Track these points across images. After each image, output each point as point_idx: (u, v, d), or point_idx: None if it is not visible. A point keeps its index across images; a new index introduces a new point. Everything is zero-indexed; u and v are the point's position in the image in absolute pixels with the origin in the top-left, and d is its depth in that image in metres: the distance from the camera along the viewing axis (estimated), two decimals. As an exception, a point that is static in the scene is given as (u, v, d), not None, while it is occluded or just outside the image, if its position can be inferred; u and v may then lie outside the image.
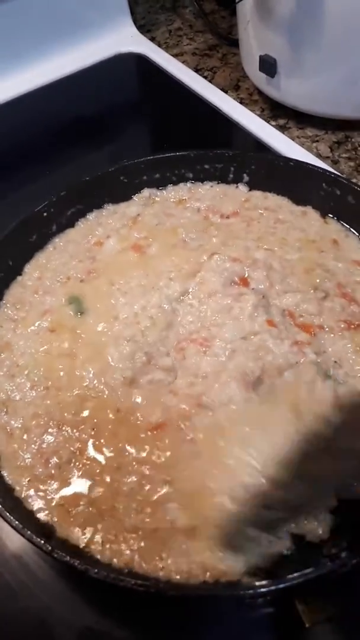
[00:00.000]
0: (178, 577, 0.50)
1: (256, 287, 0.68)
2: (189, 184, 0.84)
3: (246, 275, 0.70)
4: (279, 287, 0.69)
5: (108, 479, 0.57)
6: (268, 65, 0.96)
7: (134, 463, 0.58)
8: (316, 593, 0.48)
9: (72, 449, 0.60)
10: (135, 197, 0.83)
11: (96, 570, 0.49)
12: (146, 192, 0.83)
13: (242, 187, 0.83)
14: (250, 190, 0.83)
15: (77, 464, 0.59)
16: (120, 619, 0.56)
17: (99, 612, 0.56)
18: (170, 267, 0.73)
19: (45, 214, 0.78)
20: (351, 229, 0.77)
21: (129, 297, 0.71)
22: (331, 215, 0.79)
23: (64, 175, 0.96)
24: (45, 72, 1.13)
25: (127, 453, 0.59)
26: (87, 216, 0.81)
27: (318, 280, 0.71)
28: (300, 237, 0.76)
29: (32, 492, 0.57)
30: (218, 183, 0.84)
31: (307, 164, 0.80)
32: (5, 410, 0.64)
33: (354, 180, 0.93)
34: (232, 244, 0.76)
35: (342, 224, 0.78)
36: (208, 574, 0.50)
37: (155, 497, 0.56)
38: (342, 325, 0.67)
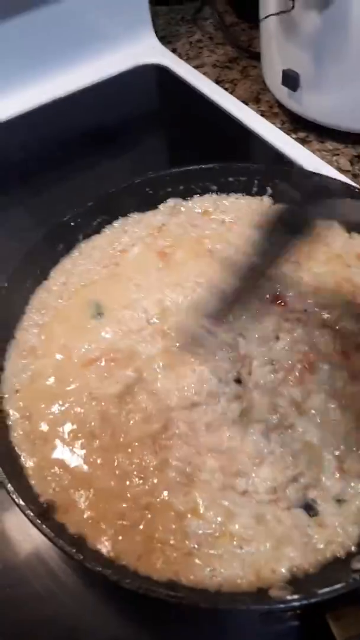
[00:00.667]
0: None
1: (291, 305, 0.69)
2: (214, 196, 0.85)
3: (278, 292, 0.71)
4: (311, 300, 0.70)
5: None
6: (291, 80, 0.97)
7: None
8: (349, 608, 0.48)
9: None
10: (161, 207, 0.84)
11: (128, 580, 0.49)
12: (171, 202, 0.84)
13: (267, 200, 0.84)
14: (274, 203, 0.84)
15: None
16: (147, 628, 0.57)
17: (127, 622, 0.57)
18: (198, 274, 0.74)
19: (72, 224, 0.79)
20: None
21: (145, 291, 0.73)
22: (356, 231, 0.79)
23: (85, 185, 0.96)
24: (67, 83, 1.14)
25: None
26: (114, 223, 0.82)
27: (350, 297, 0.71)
28: (325, 251, 0.77)
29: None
30: (243, 195, 0.85)
31: (331, 178, 0.81)
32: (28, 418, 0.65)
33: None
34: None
35: (366, 239, 0.79)
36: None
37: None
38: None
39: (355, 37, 0.85)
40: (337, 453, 0.59)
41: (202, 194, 0.85)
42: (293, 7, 0.86)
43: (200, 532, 0.55)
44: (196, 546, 0.54)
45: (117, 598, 0.57)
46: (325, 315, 0.69)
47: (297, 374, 0.64)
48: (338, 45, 0.87)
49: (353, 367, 0.65)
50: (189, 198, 0.84)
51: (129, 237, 0.80)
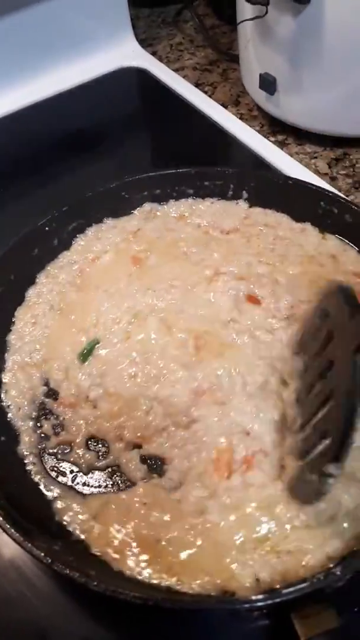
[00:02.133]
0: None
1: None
2: (190, 200, 0.85)
3: (256, 293, 0.72)
4: (289, 298, 0.71)
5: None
6: (268, 83, 0.98)
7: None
8: (312, 608, 0.49)
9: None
10: (136, 211, 0.85)
11: (95, 582, 0.50)
12: (147, 206, 0.85)
13: (242, 204, 0.85)
14: (250, 207, 0.85)
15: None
16: (118, 630, 0.57)
17: (98, 623, 0.57)
18: (172, 276, 0.75)
19: (47, 229, 0.79)
20: (350, 244, 0.79)
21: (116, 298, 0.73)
22: (329, 232, 0.80)
23: (65, 189, 0.97)
24: (47, 86, 1.14)
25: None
26: (87, 231, 0.82)
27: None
28: (299, 253, 0.78)
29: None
30: (218, 199, 0.85)
31: (305, 182, 0.82)
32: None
33: (352, 197, 0.95)
34: (233, 259, 0.77)
35: (341, 239, 0.79)
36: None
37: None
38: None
39: (328, 41, 0.86)
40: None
41: (178, 198, 0.85)
42: (267, 12, 0.86)
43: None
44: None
45: (89, 601, 0.58)
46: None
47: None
48: (313, 49, 0.88)
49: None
50: (164, 202, 0.85)
51: (101, 243, 0.81)
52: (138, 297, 0.72)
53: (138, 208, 0.85)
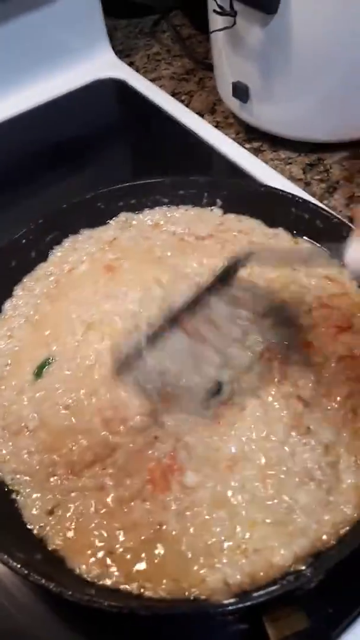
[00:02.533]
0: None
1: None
2: (164, 208, 0.86)
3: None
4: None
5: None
6: (241, 92, 0.99)
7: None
8: (282, 610, 0.49)
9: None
10: (112, 221, 0.86)
11: (70, 592, 0.50)
12: (123, 216, 0.86)
13: (217, 211, 0.86)
14: (224, 213, 0.86)
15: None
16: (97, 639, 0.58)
17: (76, 632, 0.58)
18: (150, 279, 0.75)
19: (23, 241, 0.80)
20: (321, 247, 0.80)
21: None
22: (302, 237, 0.81)
23: (43, 201, 0.98)
24: (23, 100, 1.15)
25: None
26: (64, 242, 0.83)
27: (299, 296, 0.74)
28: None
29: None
30: (193, 207, 0.86)
31: (276, 189, 0.83)
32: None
33: (326, 202, 0.96)
34: (208, 262, 0.78)
35: (312, 243, 0.81)
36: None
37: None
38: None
39: (297, 50, 0.87)
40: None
41: (152, 206, 0.86)
42: (235, 23, 0.88)
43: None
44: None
45: (67, 610, 0.58)
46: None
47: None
48: (282, 58, 0.90)
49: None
50: (139, 211, 0.86)
51: (77, 254, 0.81)
52: (100, 305, 0.72)
53: (114, 218, 0.86)
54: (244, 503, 0.57)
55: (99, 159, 1.08)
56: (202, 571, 0.52)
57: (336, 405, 0.63)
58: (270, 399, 0.64)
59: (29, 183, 1.02)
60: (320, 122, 0.98)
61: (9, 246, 0.80)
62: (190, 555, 0.53)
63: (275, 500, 0.56)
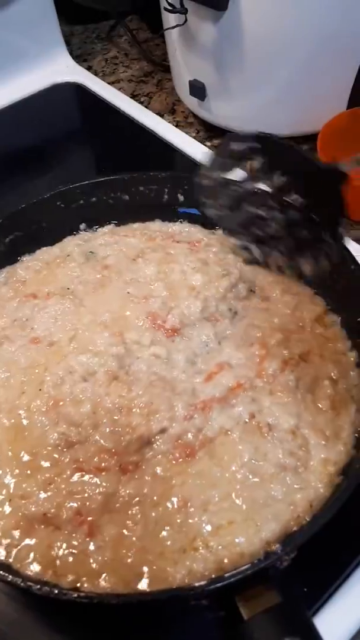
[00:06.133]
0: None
1: None
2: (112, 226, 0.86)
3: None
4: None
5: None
6: (197, 90, 1.00)
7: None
8: (254, 589, 0.49)
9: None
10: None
11: (39, 586, 0.50)
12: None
13: None
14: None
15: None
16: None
17: (53, 633, 0.57)
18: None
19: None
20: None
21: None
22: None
23: (5, 205, 0.97)
24: (-19, 106, 1.15)
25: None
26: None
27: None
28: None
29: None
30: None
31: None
32: None
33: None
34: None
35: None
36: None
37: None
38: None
39: (248, 46, 0.89)
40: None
41: (113, 206, 0.86)
42: (186, 20, 0.89)
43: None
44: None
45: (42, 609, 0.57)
46: None
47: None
48: (235, 54, 0.91)
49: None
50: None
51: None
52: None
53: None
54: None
55: (60, 162, 1.08)
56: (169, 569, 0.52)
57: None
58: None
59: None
60: (277, 117, 0.99)
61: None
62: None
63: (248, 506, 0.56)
